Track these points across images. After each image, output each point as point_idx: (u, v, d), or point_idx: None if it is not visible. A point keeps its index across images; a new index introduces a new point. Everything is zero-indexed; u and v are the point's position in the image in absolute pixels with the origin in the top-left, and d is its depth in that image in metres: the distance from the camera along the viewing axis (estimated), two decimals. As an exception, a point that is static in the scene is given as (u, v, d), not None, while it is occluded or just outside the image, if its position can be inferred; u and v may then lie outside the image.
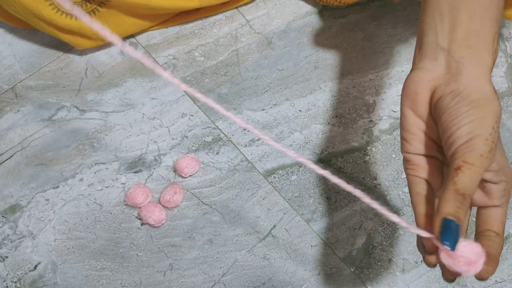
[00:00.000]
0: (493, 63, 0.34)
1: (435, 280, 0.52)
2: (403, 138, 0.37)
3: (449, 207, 0.31)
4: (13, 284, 0.52)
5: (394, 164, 0.57)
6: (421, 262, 0.52)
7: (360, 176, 0.57)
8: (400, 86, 0.62)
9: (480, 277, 0.32)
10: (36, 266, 0.53)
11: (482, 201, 0.35)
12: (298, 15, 0.67)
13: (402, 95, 0.36)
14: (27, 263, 0.53)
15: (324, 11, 0.67)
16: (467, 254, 0.31)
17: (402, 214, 0.54)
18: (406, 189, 0.55)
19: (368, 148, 0.58)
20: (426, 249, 0.32)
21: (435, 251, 0.32)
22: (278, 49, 0.65)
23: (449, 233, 0.30)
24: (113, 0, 0.59)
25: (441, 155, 0.36)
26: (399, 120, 0.61)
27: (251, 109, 0.61)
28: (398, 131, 0.59)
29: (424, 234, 0.32)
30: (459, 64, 0.33)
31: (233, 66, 0.64)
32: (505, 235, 0.53)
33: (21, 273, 0.53)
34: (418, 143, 0.36)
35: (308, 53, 0.64)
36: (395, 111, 0.60)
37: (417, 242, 0.35)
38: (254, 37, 0.66)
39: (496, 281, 0.52)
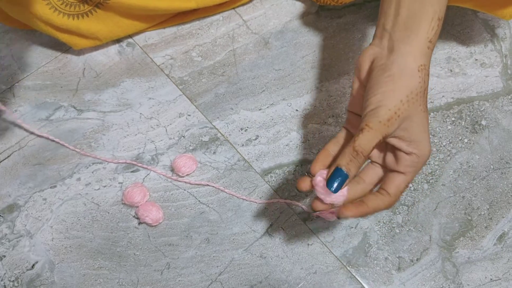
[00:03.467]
0: (432, 41, 0.39)
1: (430, 279, 0.52)
2: (350, 99, 0.44)
3: (343, 159, 0.37)
4: (11, 283, 0.52)
5: (390, 163, 0.57)
6: (417, 260, 0.53)
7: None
8: (396, 86, 0.63)
9: (338, 214, 0.39)
10: (33, 265, 0.53)
11: (391, 165, 0.41)
12: (295, 16, 0.68)
13: (355, 67, 0.43)
14: (25, 262, 0.53)
15: (320, 11, 0.68)
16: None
17: (398, 212, 0.55)
18: (402, 188, 0.56)
19: (364, 147, 0.59)
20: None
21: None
22: (275, 49, 0.65)
23: (334, 178, 0.37)
24: (110, 2, 0.59)
25: None
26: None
27: (248, 109, 0.61)
28: (394, 131, 0.59)
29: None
30: (395, 44, 0.39)
31: (230, 66, 0.64)
32: (500, 233, 0.54)
33: (19, 272, 0.53)
34: (357, 106, 0.43)
35: (304, 53, 0.65)
36: (391, 111, 0.60)
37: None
38: (251, 37, 0.66)
39: (491, 279, 0.52)
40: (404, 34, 0.38)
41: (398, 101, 0.37)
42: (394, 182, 0.40)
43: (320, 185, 0.38)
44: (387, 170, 0.42)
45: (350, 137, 0.43)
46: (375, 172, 0.42)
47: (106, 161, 0.58)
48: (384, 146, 0.41)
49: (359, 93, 0.42)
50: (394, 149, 0.40)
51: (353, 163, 0.37)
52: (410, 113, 0.38)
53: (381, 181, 0.42)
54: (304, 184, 0.40)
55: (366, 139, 0.37)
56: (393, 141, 0.39)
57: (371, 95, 0.38)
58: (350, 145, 0.37)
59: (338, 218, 0.39)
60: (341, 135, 0.43)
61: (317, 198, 0.40)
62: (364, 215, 0.39)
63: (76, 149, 0.58)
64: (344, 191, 0.39)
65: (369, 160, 0.43)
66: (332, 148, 0.42)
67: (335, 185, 0.37)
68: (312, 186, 0.40)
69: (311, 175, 0.40)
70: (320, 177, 0.39)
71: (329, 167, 0.40)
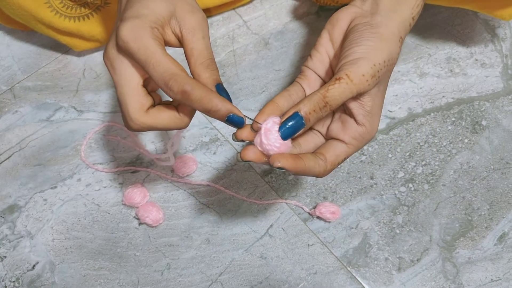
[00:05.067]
0: (414, 18, 0.38)
1: (431, 279, 0.52)
2: (309, 55, 0.41)
3: (308, 106, 0.33)
4: (12, 284, 0.52)
5: (390, 163, 0.57)
6: (418, 261, 0.53)
7: (356, 175, 0.57)
8: (397, 87, 0.63)
9: (271, 161, 0.34)
10: (34, 266, 0.53)
11: (335, 134, 0.38)
12: (295, 16, 0.68)
13: (327, 21, 0.40)
14: (25, 263, 0.53)
15: (320, 12, 0.68)
16: (275, 142, 0.34)
17: (398, 213, 0.55)
18: (403, 188, 0.56)
19: (365, 147, 0.59)
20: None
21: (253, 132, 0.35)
22: (275, 50, 0.65)
23: (290, 123, 0.33)
24: (111, 5, 0.59)
25: None
26: (395, 120, 0.61)
27: (248, 109, 0.61)
28: (395, 131, 0.59)
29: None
30: (380, 8, 0.37)
31: (230, 66, 0.64)
32: (500, 233, 0.54)
33: (20, 273, 0.53)
34: (319, 62, 0.40)
35: (304, 54, 0.65)
36: (391, 111, 0.61)
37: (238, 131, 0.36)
38: (251, 37, 0.66)
39: (492, 279, 0.52)
40: (391, 1, 0.37)
41: (382, 60, 0.35)
42: (335, 150, 0.37)
43: (268, 128, 0.34)
44: (328, 138, 0.39)
45: (303, 94, 0.39)
46: (314, 141, 0.40)
47: (103, 171, 0.58)
48: (334, 112, 0.39)
49: (326, 54, 0.40)
50: (344, 117, 0.38)
51: (316, 114, 0.34)
52: (381, 81, 0.36)
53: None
54: (244, 132, 0.35)
55: (341, 92, 0.33)
56: (354, 105, 0.36)
57: (354, 44, 0.35)
58: (319, 93, 0.34)
59: (271, 166, 0.34)
60: (294, 89, 0.39)
61: (250, 145, 0.35)
62: (296, 170, 0.34)
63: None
64: (288, 142, 0.34)
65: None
66: (282, 102, 0.37)
67: (288, 131, 0.33)
68: (251, 137, 0.35)
69: (253, 129, 0.35)
70: (272, 121, 0.34)
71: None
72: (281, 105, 0.37)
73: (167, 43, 0.37)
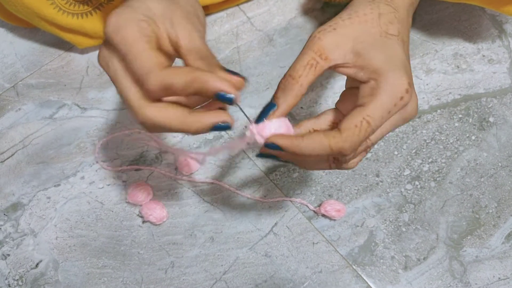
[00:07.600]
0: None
1: (438, 278, 0.51)
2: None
3: (277, 91, 0.36)
4: (15, 282, 0.52)
5: (396, 161, 0.57)
6: (424, 259, 0.52)
7: (362, 173, 0.56)
8: (402, 83, 0.62)
9: (265, 141, 0.35)
10: (37, 264, 0.53)
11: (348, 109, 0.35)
12: (300, 12, 0.67)
13: None
14: (29, 261, 0.53)
15: (325, 8, 0.67)
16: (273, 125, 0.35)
17: (404, 211, 0.54)
18: (409, 186, 0.55)
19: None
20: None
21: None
22: (280, 46, 0.65)
23: (263, 111, 0.36)
24: (115, 1, 0.59)
25: None
26: (401, 117, 0.60)
27: (252, 107, 0.61)
28: (401, 128, 0.59)
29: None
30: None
31: (234, 63, 0.64)
32: (508, 231, 0.53)
33: (23, 271, 0.53)
34: None
35: (309, 50, 0.64)
36: (397, 108, 0.60)
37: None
38: (255, 34, 0.66)
39: (499, 278, 0.51)
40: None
41: (338, 18, 0.35)
42: (349, 116, 0.33)
43: (251, 128, 0.36)
44: None
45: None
46: None
47: (107, 169, 0.57)
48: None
49: None
50: (350, 90, 0.37)
51: (280, 91, 0.35)
52: (357, 33, 0.34)
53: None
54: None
55: (297, 61, 0.35)
56: (344, 70, 0.35)
57: None
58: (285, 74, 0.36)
59: (266, 146, 0.35)
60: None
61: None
62: (292, 147, 0.33)
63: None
64: (283, 124, 0.35)
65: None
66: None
67: (260, 114, 0.35)
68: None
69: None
70: (253, 123, 0.36)
71: None
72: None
73: (160, 45, 0.34)
